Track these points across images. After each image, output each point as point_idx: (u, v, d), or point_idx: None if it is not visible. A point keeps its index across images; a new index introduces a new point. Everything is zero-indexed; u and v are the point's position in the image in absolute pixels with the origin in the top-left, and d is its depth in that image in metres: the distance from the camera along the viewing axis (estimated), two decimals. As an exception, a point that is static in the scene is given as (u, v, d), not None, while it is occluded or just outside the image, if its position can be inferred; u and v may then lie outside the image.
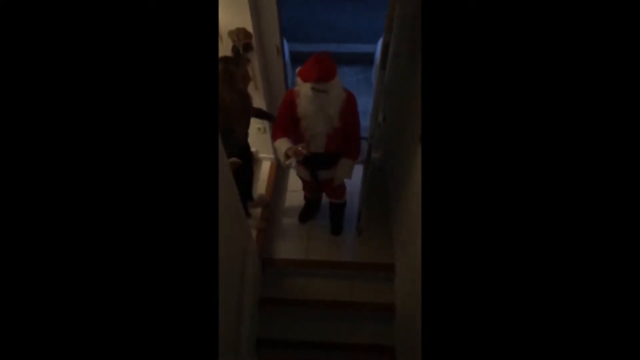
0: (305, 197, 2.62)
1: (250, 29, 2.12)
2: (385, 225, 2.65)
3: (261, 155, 2.98)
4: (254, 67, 2.32)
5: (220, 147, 1.37)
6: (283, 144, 1.91)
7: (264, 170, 2.95)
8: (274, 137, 1.97)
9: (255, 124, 2.60)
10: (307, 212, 2.69)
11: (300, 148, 1.81)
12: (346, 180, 2.36)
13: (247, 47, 2.18)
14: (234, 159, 1.98)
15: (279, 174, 2.93)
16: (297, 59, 4.15)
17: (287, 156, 1.88)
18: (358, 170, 2.55)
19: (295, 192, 2.81)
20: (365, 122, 2.12)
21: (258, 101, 2.48)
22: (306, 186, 2.44)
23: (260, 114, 2.31)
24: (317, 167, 2.13)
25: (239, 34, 2.12)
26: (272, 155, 2.94)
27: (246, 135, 2.18)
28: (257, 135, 2.78)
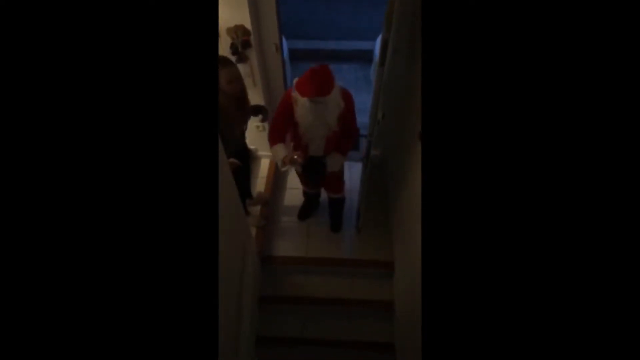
0: (305, 193, 2.62)
1: (248, 26, 2.11)
2: (385, 223, 2.65)
3: (260, 153, 2.98)
4: (253, 64, 2.32)
5: (220, 146, 1.36)
6: (280, 151, 1.92)
7: (263, 168, 2.95)
8: (271, 142, 1.96)
9: (254, 122, 2.59)
10: (307, 210, 2.69)
11: (296, 157, 1.84)
12: (345, 178, 2.37)
13: (246, 44, 2.17)
14: (232, 160, 1.98)
15: (278, 172, 2.93)
16: (296, 56, 4.14)
17: (284, 163, 1.90)
18: (357, 168, 2.55)
19: (294, 189, 2.81)
20: (364, 119, 2.11)
21: (257, 99, 2.48)
22: (304, 180, 2.44)
23: (256, 111, 2.26)
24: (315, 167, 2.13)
25: (238, 31, 2.11)
26: (271, 154, 2.93)
27: (243, 134, 2.18)
28: (256, 133, 2.77)
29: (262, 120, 2.37)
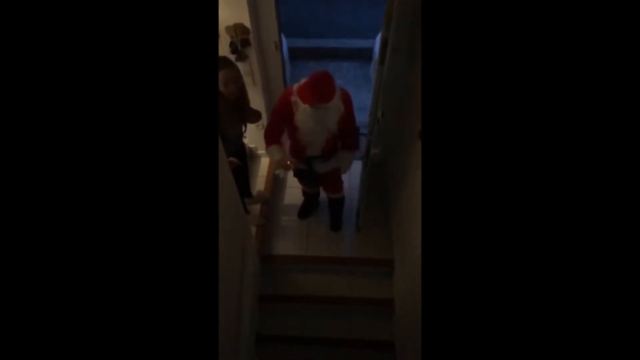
0: (304, 192, 2.62)
1: (248, 24, 2.11)
2: (385, 222, 2.65)
3: (260, 152, 2.97)
4: (252, 63, 2.31)
5: (220, 146, 1.36)
6: (275, 153, 1.93)
7: (263, 167, 2.95)
8: (267, 142, 1.95)
9: (254, 121, 2.58)
10: (306, 209, 2.69)
11: (288, 162, 1.88)
12: (345, 177, 2.37)
13: (245, 43, 2.16)
14: (232, 159, 1.98)
15: (277, 170, 2.93)
16: (296, 54, 4.14)
17: (278, 167, 1.93)
18: (357, 167, 2.55)
19: (294, 188, 2.80)
20: (364, 118, 2.11)
21: (256, 97, 2.47)
22: (301, 181, 2.44)
23: (253, 117, 2.14)
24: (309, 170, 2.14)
25: (237, 30, 2.10)
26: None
27: (241, 133, 2.17)
28: (256, 132, 2.77)
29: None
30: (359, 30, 4.42)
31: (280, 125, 1.92)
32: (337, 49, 4.23)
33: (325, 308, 2.44)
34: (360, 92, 3.75)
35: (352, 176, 2.84)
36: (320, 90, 1.69)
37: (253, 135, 2.80)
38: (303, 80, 1.75)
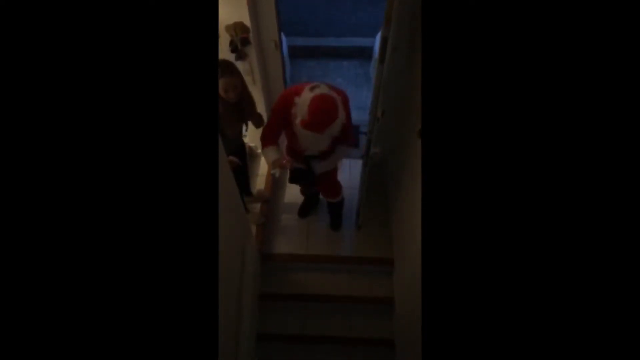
0: (302, 192, 2.62)
1: (247, 23, 2.10)
2: (385, 221, 2.65)
3: (260, 150, 2.97)
4: (252, 62, 2.31)
5: (220, 144, 1.36)
6: (270, 154, 1.91)
7: (263, 166, 2.94)
8: (264, 143, 1.93)
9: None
10: (307, 207, 2.69)
11: (284, 162, 1.85)
12: (345, 176, 2.36)
13: (245, 41, 2.16)
14: (232, 158, 1.98)
15: (277, 169, 2.93)
16: (296, 53, 4.13)
17: (274, 166, 1.90)
18: (357, 166, 2.55)
19: (294, 187, 2.80)
20: (364, 116, 2.11)
21: (256, 96, 2.46)
22: (299, 184, 2.42)
23: (255, 119, 2.12)
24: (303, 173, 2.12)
25: (237, 28, 2.10)
26: (270, 152, 2.92)
27: (240, 133, 2.17)
28: (256, 130, 2.76)
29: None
30: (359, 28, 4.41)
31: (277, 128, 1.90)
32: (337, 48, 4.21)
33: (325, 307, 2.45)
34: (360, 90, 3.75)
35: (352, 175, 2.84)
36: (322, 119, 1.65)
37: (253, 134, 2.79)
38: (305, 107, 1.64)
